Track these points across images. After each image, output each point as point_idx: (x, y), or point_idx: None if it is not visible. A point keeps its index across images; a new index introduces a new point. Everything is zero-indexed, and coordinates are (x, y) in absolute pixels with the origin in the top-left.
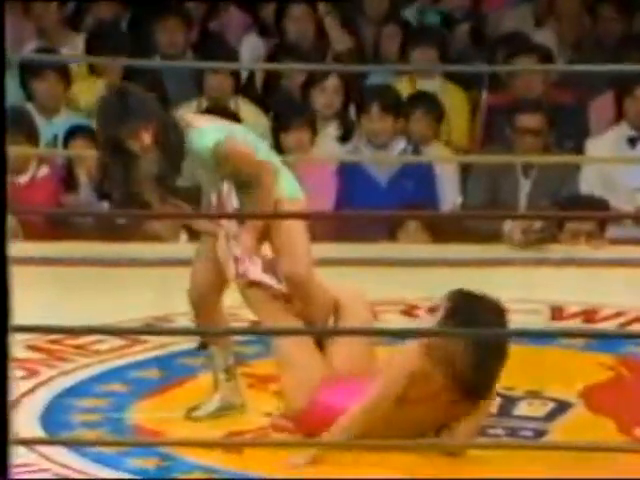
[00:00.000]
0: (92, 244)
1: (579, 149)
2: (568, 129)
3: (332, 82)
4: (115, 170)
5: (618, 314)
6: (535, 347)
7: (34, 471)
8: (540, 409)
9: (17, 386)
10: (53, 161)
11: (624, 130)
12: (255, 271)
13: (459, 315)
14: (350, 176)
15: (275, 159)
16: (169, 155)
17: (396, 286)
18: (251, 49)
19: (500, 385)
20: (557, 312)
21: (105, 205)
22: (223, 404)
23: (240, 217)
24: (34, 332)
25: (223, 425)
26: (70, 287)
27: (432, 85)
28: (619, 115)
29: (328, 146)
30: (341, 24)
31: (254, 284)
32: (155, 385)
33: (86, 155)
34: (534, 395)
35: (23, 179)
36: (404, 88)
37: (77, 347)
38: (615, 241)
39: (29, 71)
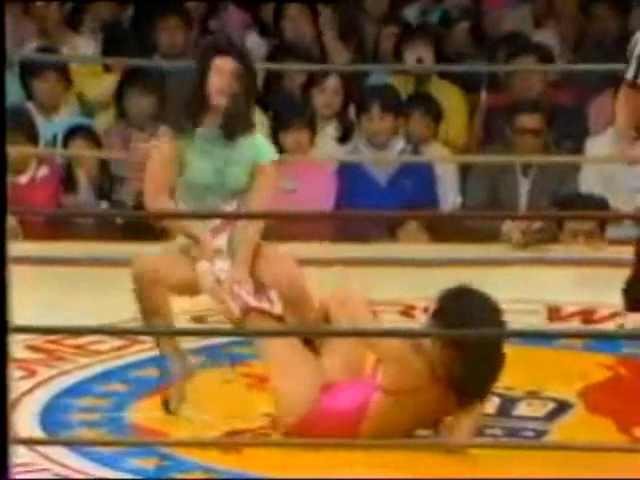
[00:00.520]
0: (92, 244)
1: (578, 149)
2: (567, 129)
3: (332, 82)
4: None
5: (616, 314)
6: (534, 347)
7: (34, 471)
8: (540, 409)
9: (16, 386)
10: (53, 161)
11: None
12: (251, 298)
13: (447, 315)
14: (350, 176)
15: None
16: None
17: (395, 286)
18: (252, 48)
19: (499, 385)
20: (555, 312)
21: (104, 205)
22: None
23: (238, 217)
24: (34, 333)
25: (222, 425)
26: (70, 287)
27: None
28: None
29: (328, 146)
30: (339, 34)
31: (253, 311)
32: (155, 385)
33: (86, 155)
34: (534, 395)
35: (23, 179)
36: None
37: (76, 347)
38: (614, 241)
39: (29, 70)
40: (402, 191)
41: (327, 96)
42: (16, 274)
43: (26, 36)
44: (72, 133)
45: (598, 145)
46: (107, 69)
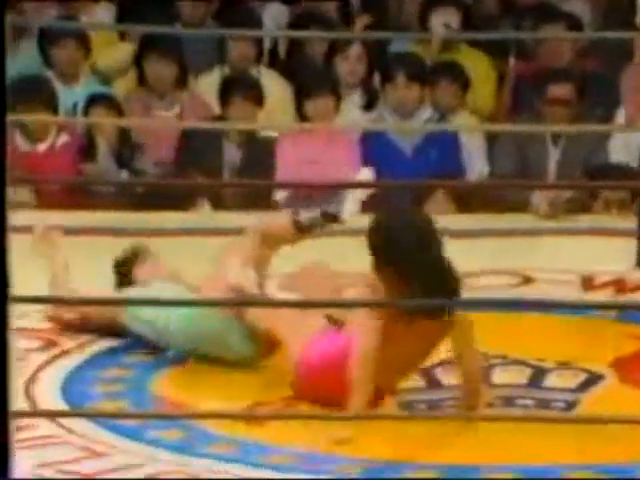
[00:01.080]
0: (111, 213)
1: (609, 117)
2: (597, 97)
3: (355, 50)
4: None
5: None
6: (565, 317)
7: (56, 443)
8: (571, 380)
9: (37, 357)
10: (73, 129)
11: None
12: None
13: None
14: (374, 145)
15: None
16: None
17: None
18: (274, 16)
19: (530, 356)
20: (587, 282)
21: (124, 173)
22: None
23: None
24: (34, 303)
25: (247, 396)
26: (89, 256)
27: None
28: None
29: (352, 114)
30: (363, 0)
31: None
32: (180, 355)
33: (106, 123)
34: (565, 366)
35: (42, 147)
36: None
37: None
38: None
39: (48, 39)
40: (428, 161)
41: (351, 64)
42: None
43: (45, 4)
44: (93, 101)
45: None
46: (122, 37)
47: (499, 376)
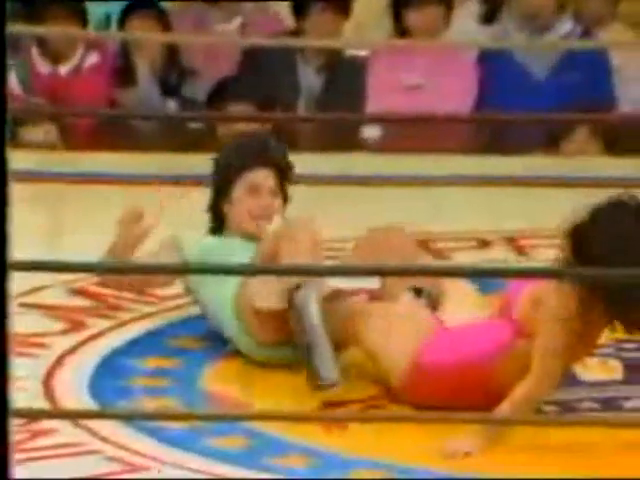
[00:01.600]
0: (155, 155)
1: None
2: None
3: None
4: None
5: None
6: None
7: (79, 453)
8: None
9: (58, 343)
10: (105, 46)
11: None
12: None
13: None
14: (496, 68)
15: None
16: None
17: (559, 212)
18: None
19: None
20: None
21: (171, 104)
22: None
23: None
24: (35, 270)
25: (321, 394)
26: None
27: None
28: None
29: (467, 28)
30: None
31: None
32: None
33: (148, 39)
34: None
35: (65, 69)
36: None
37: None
38: None
39: None
40: (567, 88)
41: None
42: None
43: None
44: (131, 11)
45: None
46: None
47: None
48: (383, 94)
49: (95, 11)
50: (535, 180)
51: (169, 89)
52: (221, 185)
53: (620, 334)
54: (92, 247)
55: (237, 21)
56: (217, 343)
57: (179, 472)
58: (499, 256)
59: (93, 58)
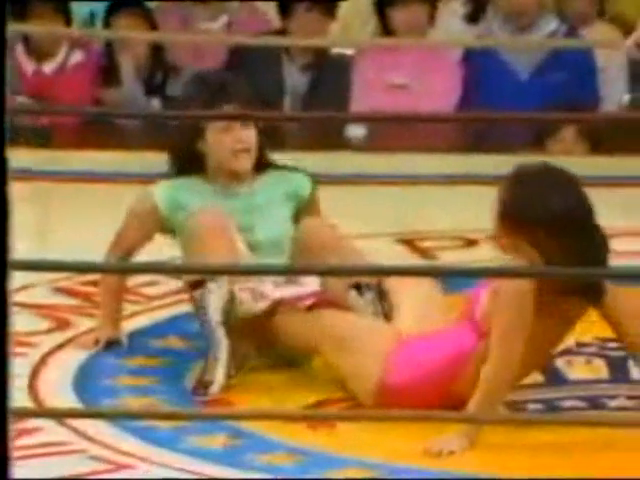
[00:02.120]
0: (139, 153)
1: None
2: None
3: None
4: None
5: None
6: None
7: (64, 452)
8: None
9: (44, 341)
10: (89, 45)
11: None
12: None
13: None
14: (481, 67)
15: None
16: None
17: None
18: None
19: None
20: None
21: (155, 102)
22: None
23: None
24: (35, 270)
25: (309, 393)
26: (113, 209)
27: None
28: None
29: (451, 27)
30: None
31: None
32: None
33: (133, 37)
34: None
35: (49, 67)
36: None
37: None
38: None
39: None
40: (552, 87)
41: None
42: (46, 191)
43: None
44: (116, 9)
45: None
46: None
47: None
48: (368, 93)
49: (80, 10)
50: None
51: (153, 88)
52: (191, 126)
53: (606, 333)
54: (77, 245)
55: (223, 20)
56: (202, 343)
57: (164, 471)
58: (486, 255)
59: (77, 56)
